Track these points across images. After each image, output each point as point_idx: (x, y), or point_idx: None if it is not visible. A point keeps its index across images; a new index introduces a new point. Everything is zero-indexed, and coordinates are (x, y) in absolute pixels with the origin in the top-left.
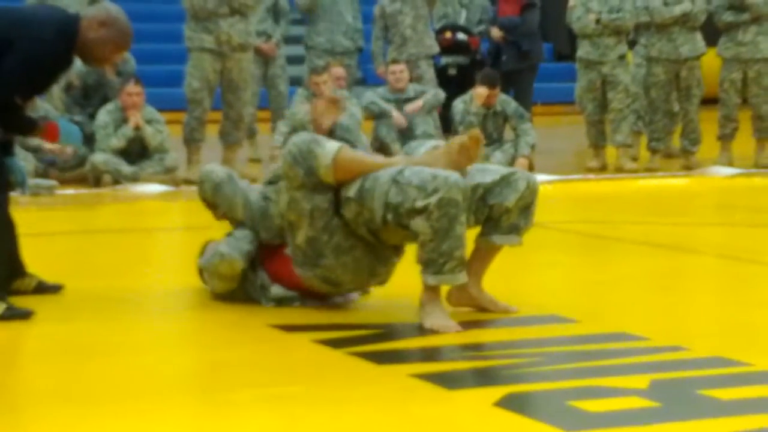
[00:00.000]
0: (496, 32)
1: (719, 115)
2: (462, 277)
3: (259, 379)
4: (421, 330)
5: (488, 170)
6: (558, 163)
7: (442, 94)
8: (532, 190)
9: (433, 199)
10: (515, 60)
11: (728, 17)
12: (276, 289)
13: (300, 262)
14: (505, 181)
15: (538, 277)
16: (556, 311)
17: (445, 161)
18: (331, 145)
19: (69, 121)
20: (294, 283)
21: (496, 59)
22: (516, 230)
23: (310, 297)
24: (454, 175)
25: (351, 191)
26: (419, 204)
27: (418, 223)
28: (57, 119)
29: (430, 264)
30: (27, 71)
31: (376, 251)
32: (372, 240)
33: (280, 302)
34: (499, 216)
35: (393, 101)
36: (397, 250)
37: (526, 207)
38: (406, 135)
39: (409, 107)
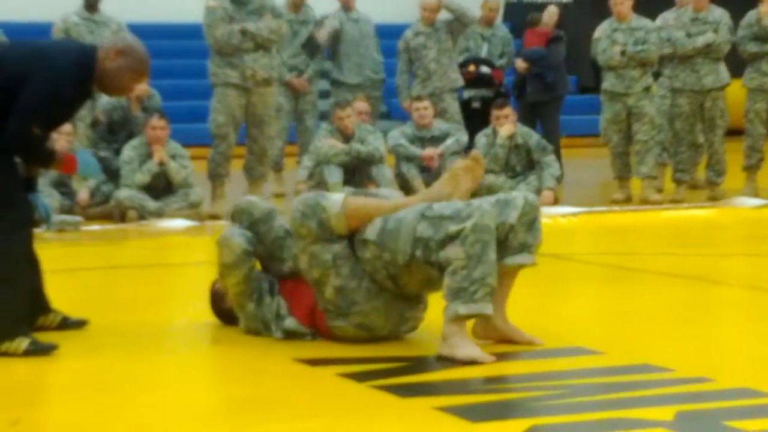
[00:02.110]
0: (520, 63)
1: (744, 145)
2: (490, 308)
3: (283, 413)
4: (446, 362)
5: (485, 198)
6: (583, 194)
7: (464, 139)
8: (532, 206)
9: (468, 224)
10: (540, 91)
11: (752, 48)
12: (291, 322)
13: (333, 315)
14: (502, 202)
15: (563, 308)
16: (581, 343)
17: (452, 185)
18: (337, 196)
19: (88, 154)
20: (309, 321)
21: (522, 91)
22: (526, 248)
23: (321, 334)
24: (486, 204)
25: (371, 234)
26: (453, 229)
27: (452, 250)
28: (75, 151)
29: (460, 293)
30: (46, 101)
31: (404, 295)
32: (390, 286)
33: (291, 335)
34: (506, 236)
35: (418, 139)
36: (419, 299)
37: (530, 222)
38: (429, 171)
39: (426, 153)
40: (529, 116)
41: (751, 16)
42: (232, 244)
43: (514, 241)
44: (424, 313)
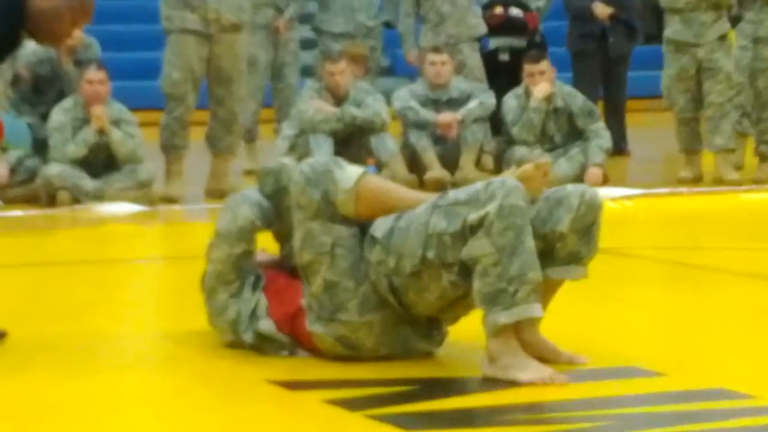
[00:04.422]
0: (602, 9)
1: None
2: (538, 309)
3: None
4: (464, 385)
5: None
6: (641, 173)
7: (490, 101)
8: (590, 206)
9: (491, 208)
10: (625, 41)
11: None
12: (266, 324)
13: (314, 317)
14: (551, 200)
15: (612, 318)
16: (635, 362)
17: None
18: (354, 169)
19: (16, 119)
20: (289, 328)
21: (602, 42)
22: (577, 259)
23: (302, 347)
24: (510, 179)
25: (379, 230)
26: (473, 217)
27: (476, 245)
28: (1, 116)
29: (498, 297)
30: None
31: (414, 318)
32: (393, 302)
33: (263, 341)
34: (553, 244)
35: (431, 101)
36: (435, 328)
37: (586, 229)
38: (445, 142)
39: (442, 119)
40: (611, 74)
41: None
42: (238, 212)
43: (562, 251)
44: (438, 347)
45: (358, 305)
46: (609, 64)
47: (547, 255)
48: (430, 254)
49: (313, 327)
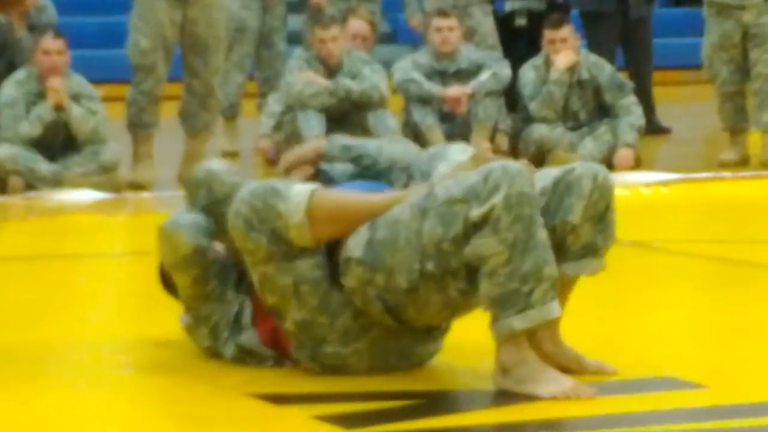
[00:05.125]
0: None
1: None
2: (556, 308)
3: None
4: (473, 398)
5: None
6: (677, 155)
7: (505, 73)
8: (603, 189)
9: (497, 200)
10: (644, 2)
11: None
12: (249, 337)
13: (296, 347)
14: (561, 185)
15: (645, 321)
16: (672, 372)
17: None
18: (298, 192)
19: None
20: (273, 342)
21: (621, 4)
22: (593, 251)
23: (289, 359)
24: (513, 163)
25: (355, 249)
26: (476, 214)
27: (482, 243)
28: None
29: (510, 299)
30: None
31: (409, 329)
32: (391, 323)
33: (246, 355)
34: (564, 237)
35: (437, 73)
36: (435, 330)
37: (599, 216)
38: (453, 119)
39: (450, 93)
40: (629, 40)
41: None
42: (175, 241)
43: (575, 244)
44: (440, 343)
45: (340, 337)
46: (628, 28)
47: (559, 249)
48: (430, 266)
49: (299, 354)
